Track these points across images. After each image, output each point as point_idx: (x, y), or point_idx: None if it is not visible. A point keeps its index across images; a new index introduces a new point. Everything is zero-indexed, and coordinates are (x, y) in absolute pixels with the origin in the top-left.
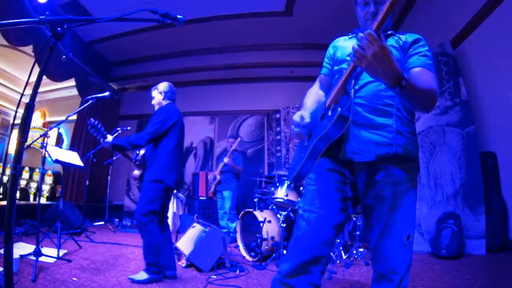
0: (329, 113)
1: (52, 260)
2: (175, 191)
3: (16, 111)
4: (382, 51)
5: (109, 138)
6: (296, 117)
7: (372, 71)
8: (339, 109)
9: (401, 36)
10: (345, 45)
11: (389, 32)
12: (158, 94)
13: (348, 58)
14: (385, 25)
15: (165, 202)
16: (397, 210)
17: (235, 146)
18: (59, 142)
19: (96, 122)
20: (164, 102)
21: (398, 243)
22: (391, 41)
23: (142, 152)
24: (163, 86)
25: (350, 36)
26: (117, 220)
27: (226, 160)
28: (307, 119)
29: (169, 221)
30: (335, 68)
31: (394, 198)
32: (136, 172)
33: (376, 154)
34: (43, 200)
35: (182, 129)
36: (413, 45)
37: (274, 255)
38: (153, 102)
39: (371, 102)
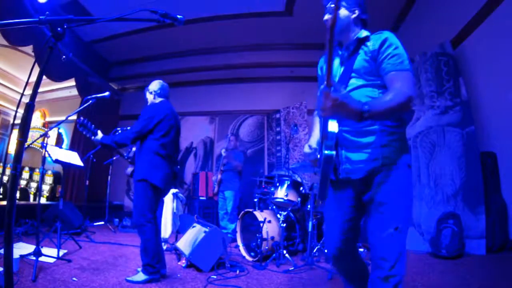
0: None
1: (52, 260)
2: (176, 190)
3: (16, 111)
4: (336, 101)
5: (99, 135)
6: (306, 148)
7: (337, 116)
8: (325, 151)
9: (368, 43)
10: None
11: (356, 37)
12: (149, 95)
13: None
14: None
15: (155, 201)
16: (386, 203)
17: (233, 144)
18: (59, 142)
19: (86, 121)
20: (156, 101)
21: (386, 232)
22: (361, 55)
23: (134, 149)
24: (152, 85)
25: None
26: (117, 220)
27: (223, 152)
28: (314, 146)
29: (169, 221)
30: None
31: (385, 193)
32: (130, 169)
33: (366, 170)
34: (43, 200)
35: (172, 126)
36: (380, 49)
37: (274, 255)
38: (148, 104)
39: (354, 127)
